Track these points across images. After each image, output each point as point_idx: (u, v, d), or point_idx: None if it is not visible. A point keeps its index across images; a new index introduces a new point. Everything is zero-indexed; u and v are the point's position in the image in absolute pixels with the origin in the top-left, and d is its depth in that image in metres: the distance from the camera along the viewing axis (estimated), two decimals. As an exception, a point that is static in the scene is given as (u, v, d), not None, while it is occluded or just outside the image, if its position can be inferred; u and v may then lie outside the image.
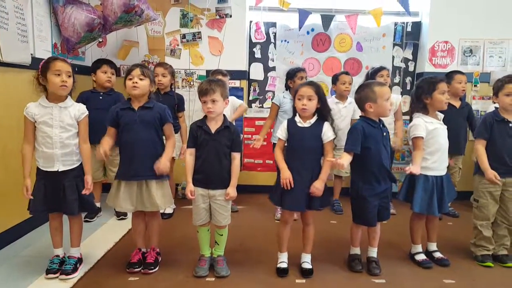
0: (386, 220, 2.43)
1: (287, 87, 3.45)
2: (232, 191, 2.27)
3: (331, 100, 3.44)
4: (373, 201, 2.32)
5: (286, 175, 2.25)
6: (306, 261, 2.40)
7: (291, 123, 2.35)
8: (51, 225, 2.33)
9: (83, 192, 2.24)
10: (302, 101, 2.26)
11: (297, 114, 2.35)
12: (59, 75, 2.13)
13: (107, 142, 2.28)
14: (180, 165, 3.83)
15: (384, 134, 2.34)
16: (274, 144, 3.55)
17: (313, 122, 2.30)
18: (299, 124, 2.31)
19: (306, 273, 2.34)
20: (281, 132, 2.37)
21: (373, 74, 3.46)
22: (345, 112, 3.50)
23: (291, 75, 3.39)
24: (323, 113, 2.31)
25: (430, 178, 2.43)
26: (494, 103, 2.61)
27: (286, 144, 2.38)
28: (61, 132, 2.18)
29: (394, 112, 3.44)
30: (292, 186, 2.24)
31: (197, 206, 2.31)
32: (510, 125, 2.48)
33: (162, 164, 2.25)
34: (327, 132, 2.28)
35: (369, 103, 2.30)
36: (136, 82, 2.26)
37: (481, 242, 2.56)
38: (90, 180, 2.27)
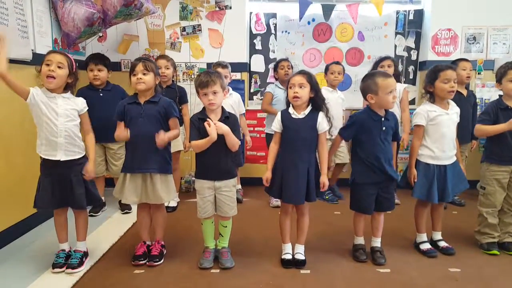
0: (388, 210, 2.43)
1: (276, 79, 3.69)
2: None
3: (325, 89, 3.40)
4: (368, 189, 2.33)
5: (267, 175, 2.30)
6: (300, 252, 2.38)
7: (285, 115, 2.29)
8: (56, 221, 2.33)
9: (85, 177, 2.22)
10: (294, 89, 2.21)
11: (291, 106, 2.29)
12: (48, 65, 2.12)
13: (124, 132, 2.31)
14: (184, 158, 3.84)
15: (384, 128, 2.31)
16: (267, 134, 3.58)
17: (307, 113, 2.25)
18: (293, 116, 2.26)
19: (299, 264, 2.33)
20: (275, 124, 2.30)
21: (374, 65, 3.45)
22: (336, 101, 3.42)
23: (275, 66, 3.65)
24: (317, 103, 2.26)
25: (431, 166, 2.42)
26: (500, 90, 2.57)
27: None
28: (67, 121, 2.17)
29: (398, 101, 3.40)
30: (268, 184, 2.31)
31: (202, 199, 2.30)
32: None
33: (161, 136, 2.23)
34: (322, 123, 2.25)
35: (371, 95, 2.28)
36: (141, 78, 2.26)
37: (486, 230, 2.55)
38: (92, 167, 2.25)
